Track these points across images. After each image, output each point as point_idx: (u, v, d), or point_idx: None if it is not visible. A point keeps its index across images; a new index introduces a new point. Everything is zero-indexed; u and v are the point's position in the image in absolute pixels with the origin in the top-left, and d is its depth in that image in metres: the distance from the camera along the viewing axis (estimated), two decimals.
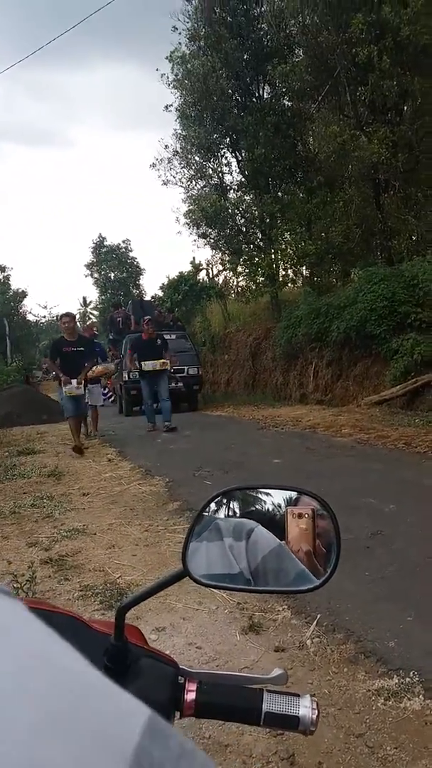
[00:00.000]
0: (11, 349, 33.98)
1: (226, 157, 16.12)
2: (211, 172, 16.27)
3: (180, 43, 14.90)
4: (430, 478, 5.61)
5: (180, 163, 16.23)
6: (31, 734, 0.22)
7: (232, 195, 16.20)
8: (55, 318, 39.90)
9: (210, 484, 5.71)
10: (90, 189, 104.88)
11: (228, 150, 15.87)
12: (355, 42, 11.31)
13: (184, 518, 4.66)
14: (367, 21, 11.01)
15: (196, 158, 16.02)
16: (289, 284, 16.07)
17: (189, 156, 16.05)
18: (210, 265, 20.98)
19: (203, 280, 20.91)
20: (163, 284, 22.32)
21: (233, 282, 18.98)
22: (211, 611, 3.04)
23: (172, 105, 15.62)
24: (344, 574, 3.10)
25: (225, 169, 16.32)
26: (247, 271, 16.29)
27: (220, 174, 16.31)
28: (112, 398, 15.98)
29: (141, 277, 42.14)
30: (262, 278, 15.71)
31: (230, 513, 0.79)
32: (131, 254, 41.72)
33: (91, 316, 43.77)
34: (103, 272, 41.47)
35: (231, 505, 0.80)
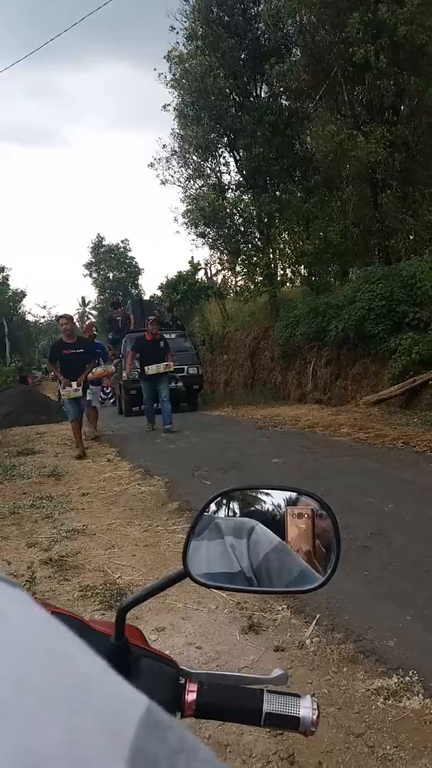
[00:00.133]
0: (10, 349, 33.97)
1: (224, 157, 16.16)
2: (209, 171, 16.30)
3: (178, 43, 14.95)
4: (428, 477, 5.61)
5: (178, 163, 16.27)
6: (27, 721, 0.22)
7: (230, 194, 16.23)
8: (54, 318, 39.92)
9: (209, 484, 5.71)
10: (88, 189, 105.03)
11: (226, 149, 15.89)
12: (352, 41, 11.32)
13: (184, 518, 4.66)
14: (363, 20, 11.01)
15: (194, 158, 16.03)
16: (288, 284, 16.10)
17: (187, 155, 16.07)
18: (208, 265, 20.98)
19: (202, 279, 20.89)
20: (161, 284, 22.32)
21: (232, 281, 18.98)
22: (210, 611, 3.04)
23: (170, 104, 15.67)
24: (343, 574, 3.11)
25: (223, 168, 16.37)
26: (245, 270, 16.31)
27: (218, 173, 16.35)
28: (113, 399, 15.95)
29: (140, 276, 42.27)
30: (260, 278, 15.73)
31: (230, 513, 0.80)
32: (130, 254, 41.85)
33: (89, 316, 43.80)
34: (101, 272, 41.54)
35: (231, 506, 0.81)
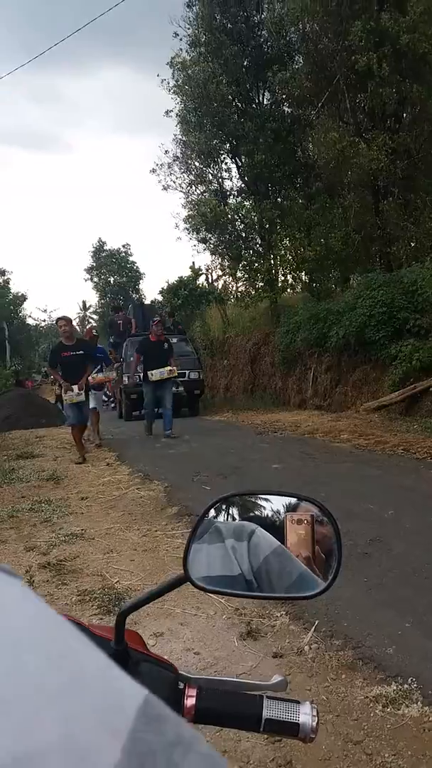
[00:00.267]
0: (10, 353, 34.01)
1: (226, 163, 16.22)
2: (210, 177, 16.36)
3: (181, 50, 15.03)
4: (428, 484, 5.61)
5: (180, 169, 16.34)
6: (25, 712, 0.22)
7: (231, 200, 16.28)
8: (54, 322, 39.96)
9: (209, 489, 5.70)
10: (90, 193, 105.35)
11: (228, 156, 15.95)
12: (354, 49, 11.37)
13: (183, 523, 4.65)
14: (366, 29, 11.07)
15: (196, 164, 16.10)
16: (289, 290, 16.13)
17: (189, 161, 16.13)
18: (209, 270, 21.02)
19: (203, 285, 20.93)
20: (162, 289, 22.34)
21: (233, 287, 19.00)
22: (209, 616, 3.04)
23: (172, 110, 15.75)
24: (343, 580, 3.09)
25: (225, 174, 16.44)
26: (246, 276, 16.33)
27: (220, 179, 16.40)
28: (114, 404, 15.93)
29: (140, 281, 42.31)
30: (261, 283, 15.75)
31: (230, 518, 0.80)
32: (131, 259, 41.91)
33: (90, 320, 43.86)
34: (102, 276, 41.59)
35: (231, 511, 0.81)
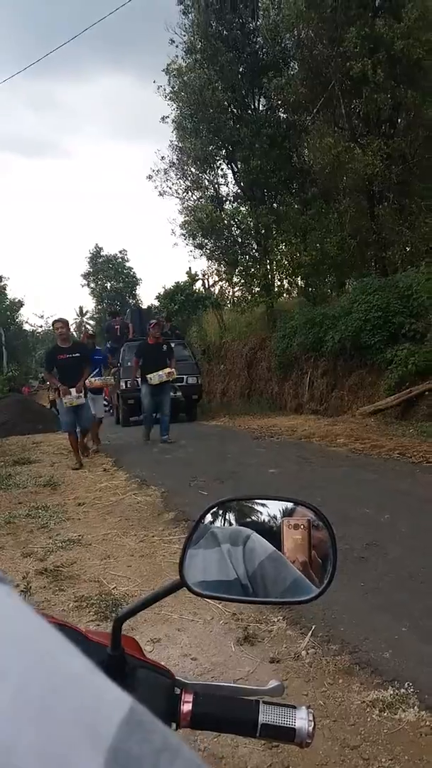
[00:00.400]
0: (7, 358, 33.96)
1: (222, 169, 16.25)
2: (207, 183, 16.38)
3: (177, 56, 15.08)
4: (424, 488, 5.61)
5: (176, 174, 16.35)
6: (1, 717, 0.22)
7: (227, 206, 16.31)
8: (51, 325, 39.87)
9: (205, 494, 5.70)
10: (87, 199, 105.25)
11: (224, 161, 15.99)
12: (349, 55, 11.43)
13: (180, 528, 4.65)
14: (361, 35, 11.13)
15: (192, 169, 16.12)
16: (285, 295, 16.14)
17: (185, 167, 16.15)
18: (206, 276, 21.04)
19: (199, 290, 20.96)
20: (159, 294, 22.38)
21: (229, 292, 19.03)
22: (206, 622, 3.03)
23: (168, 117, 15.79)
24: (339, 585, 3.10)
25: (221, 180, 16.46)
26: (242, 281, 16.36)
27: (216, 185, 16.44)
28: (110, 409, 15.91)
29: (137, 287, 42.36)
30: (257, 288, 15.78)
31: (226, 524, 0.80)
32: (128, 264, 41.95)
33: (87, 326, 43.83)
34: (99, 282, 41.64)
35: (227, 516, 0.81)
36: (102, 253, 41.76)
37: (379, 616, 2.99)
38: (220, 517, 0.80)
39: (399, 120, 12.57)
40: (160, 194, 16.49)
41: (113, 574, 3.80)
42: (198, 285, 21.17)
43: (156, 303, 22.73)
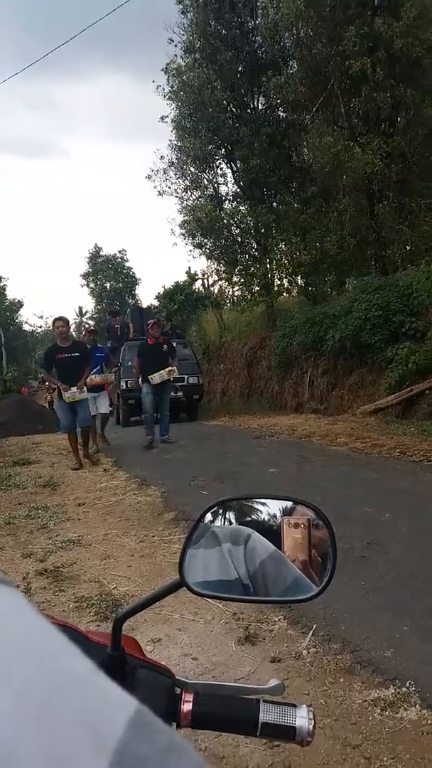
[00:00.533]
0: (7, 359, 33.96)
1: (221, 168, 16.24)
2: (206, 182, 16.37)
3: (176, 56, 15.06)
4: (425, 486, 5.61)
5: (175, 174, 16.33)
6: (4, 716, 0.22)
7: (227, 205, 16.30)
8: (52, 323, 39.83)
9: (206, 494, 5.70)
10: (86, 199, 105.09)
11: (223, 161, 15.98)
12: (348, 54, 11.42)
13: (180, 528, 4.65)
14: (360, 34, 11.13)
15: (192, 169, 16.11)
16: (284, 294, 16.14)
17: (184, 167, 16.14)
18: (205, 275, 21.04)
19: (199, 289, 20.96)
20: (158, 294, 22.37)
21: (229, 291, 19.05)
22: (207, 622, 3.03)
23: (167, 116, 15.77)
24: (340, 584, 3.10)
25: (220, 179, 16.45)
26: (242, 280, 16.35)
27: (216, 185, 16.42)
28: (111, 409, 15.86)
29: (137, 286, 42.32)
30: (257, 288, 15.77)
31: (227, 523, 0.80)
32: (127, 264, 41.92)
33: (87, 325, 43.81)
34: (99, 282, 41.62)
35: (227, 516, 0.81)
36: (101, 253, 41.74)
37: (380, 615, 2.99)
38: (220, 517, 0.80)
39: (398, 118, 12.57)
40: (160, 194, 16.49)
41: (113, 575, 3.80)
42: (197, 284, 21.18)
43: (155, 303, 22.72)
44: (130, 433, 11.05)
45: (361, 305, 10.54)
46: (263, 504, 0.81)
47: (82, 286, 44.17)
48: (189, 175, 16.29)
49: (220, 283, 19.64)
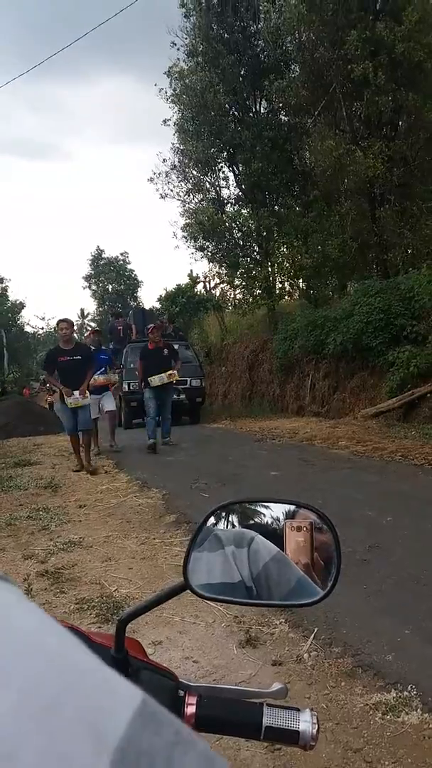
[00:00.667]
0: (8, 360, 33.99)
1: (223, 171, 16.28)
2: (208, 185, 16.40)
3: (178, 59, 15.11)
4: (426, 490, 5.61)
5: (178, 177, 16.38)
6: (7, 712, 0.22)
7: (229, 209, 16.34)
8: (53, 329, 39.86)
9: (207, 496, 5.70)
10: (88, 202, 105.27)
11: (225, 164, 16.01)
12: (350, 58, 11.45)
13: (181, 531, 4.65)
14: (362, 38, 11.15)
15: (194, 172, 16.15)
16: (286, 297, 16.16)
17: (187, 170, 16.18)
18: (207, 278, 21.07)
19: (200, 292, 20.98)
20: (160, 296, 22.38)
21: (230, 294, 19.04)
22: (208, 624, 3.03)
23: (170, 119, 15.81)
24: (342, 587, 3.09)
25: (222, 183, 16.48)
26: (244, 283, 16.37)
27: (218, 188, 16.46)
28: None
29: (139, 289, 42.35)
30: (259, 291, 15.79)
31: (229, 526, 0.80)
32: (129, 266, 41.96)
33: (89, 328, 43.82)
34: (101, 284, 41.66)
35: (230, 519, 0.81)
36: (103, 256, 41.79)
37: (382, 619, 2.98)
38: (223, 520, 0.80)
39: (400, 122, 12.60)
40: (162, 197, 16.53)
41: (114, 577, 3.80)
42: (199, 287, 21.21)
43: (157, 305, 22.74)
44: (131, 436, 11.04)
45: (362, 308, 10.55)
46: (266, 507, 0.81)
47: (84, 288, 44.23)
48: (191, 178, 16.33)
49: (221, 286, 19.66)
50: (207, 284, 21.40)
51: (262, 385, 15.03)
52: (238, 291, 17.46)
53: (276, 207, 15.45)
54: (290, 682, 2.46)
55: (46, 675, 0.24)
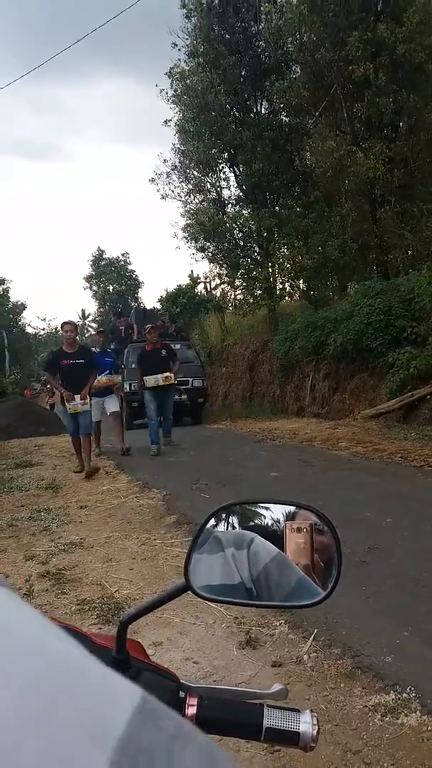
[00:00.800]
0: (10, 361, 33.98)
1: (224, 172, 16.27)
2: (209, 186, 16.40)
3: (179, 60, 15.10)
4: (426, 491, 5.61)
5: (178, 178, 16.37)
6: (4, 714, 0.22)
7: (230, 209, 16.34)
8: (54, 330, 39.92)
9: (207, 497, 5.70)
10: (90, 202, 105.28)
11: (226, 165, 16.01)
12: (351, 59, 11.45)
13: (182, 532, 4.65)
14: (363, 39, 11.15)
15: (195, 173, 16.14)
16: (286, 298, 16.16)
17: (187, 170, 16.18)
18: (208, 279, 21.08)
19: (201, 293, 20.99)
20: (161, 297, 22.40)
21: (231, 295, 19.06)
22: (208, 626, 3.03)
23: (171, 120, 15.81)
24: (341, 589, 3.09)
25: (223, 183, 16.47)
26: (244, 284, 16.38)
27: (219, 188, 16.45)
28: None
29: (140, 289, 42.32)
30: (259, 291, 15.80)
31: (230, 528, 0.81)
32: (130, 267, 41.93)
33: (90, 329, 43.84)
34: (102, 285, 41.63)
35: (231, 520, 0.81)
36: (104, 256, 41.76)
37: (381, 621, 2.98)
38: (223, 521, 0.81)
39: (401, 124, 12.60)
40: (163, 197, 16.53)
41: (115, 578, 3.81)
42: (200, 288, 21.22)
43: (158, 306, 22.76)
44: (133, 436, 10.99)
45: (362, 310, 10.55)
46: (266, 508, 0.81)
47: (85, 289, 44.20)
48: (192, 179, 16.33)
49: (222, 286, 19.68)
50: (208, 285, 21.43)
51: (263, 386, 15.03)
52: (238, 292, 17.48)
53: (277, 208, 15.45)
54: (290, 683, 2.46)
55: (45, 675, 0.24)
